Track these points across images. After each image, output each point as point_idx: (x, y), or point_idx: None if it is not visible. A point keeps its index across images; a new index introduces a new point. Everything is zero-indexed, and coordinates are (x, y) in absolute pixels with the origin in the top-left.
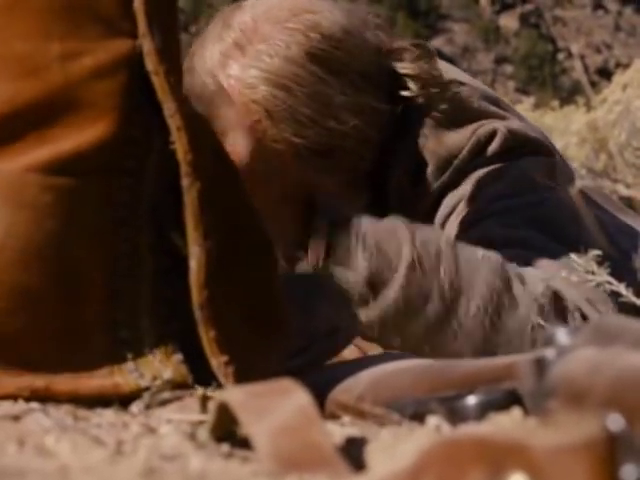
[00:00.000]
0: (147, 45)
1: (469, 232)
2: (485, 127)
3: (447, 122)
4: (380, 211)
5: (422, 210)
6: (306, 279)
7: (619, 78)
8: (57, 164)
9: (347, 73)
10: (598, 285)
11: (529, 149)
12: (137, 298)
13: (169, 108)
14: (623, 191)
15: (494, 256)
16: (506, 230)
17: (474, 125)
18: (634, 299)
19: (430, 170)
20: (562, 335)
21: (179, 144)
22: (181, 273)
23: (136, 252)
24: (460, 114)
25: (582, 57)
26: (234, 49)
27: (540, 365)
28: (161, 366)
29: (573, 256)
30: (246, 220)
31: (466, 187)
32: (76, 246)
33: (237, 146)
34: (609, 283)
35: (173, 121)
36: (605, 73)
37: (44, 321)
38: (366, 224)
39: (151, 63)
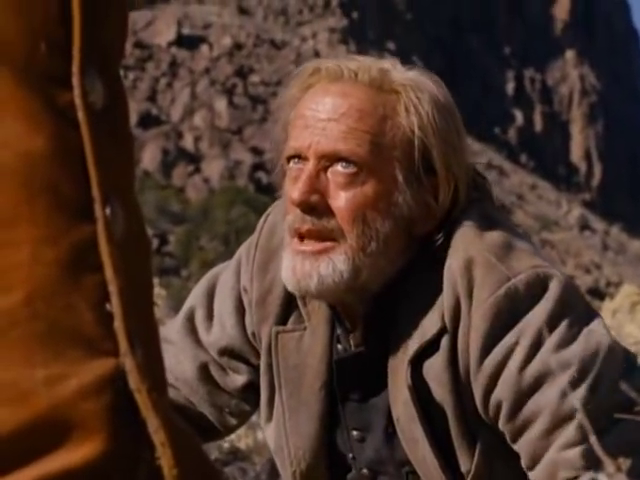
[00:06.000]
0: (129, 363)
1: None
2: (544, 269)
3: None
4: None
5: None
6: None
7: (609, 304)
8: None
9: None
10: None
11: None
12: None
13: (152, 424)
14: None
15: None
16: None
17: (529, 263)
18: None
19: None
20: None
21: (164, 459)
22: None
23: None
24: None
25: (572, 278)
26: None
27: None
28: None
29: None
30: None
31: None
32: None
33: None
34: None
35: (157, 437)
36: (597, 293)
37: None
38: None
39: (133, 381)
